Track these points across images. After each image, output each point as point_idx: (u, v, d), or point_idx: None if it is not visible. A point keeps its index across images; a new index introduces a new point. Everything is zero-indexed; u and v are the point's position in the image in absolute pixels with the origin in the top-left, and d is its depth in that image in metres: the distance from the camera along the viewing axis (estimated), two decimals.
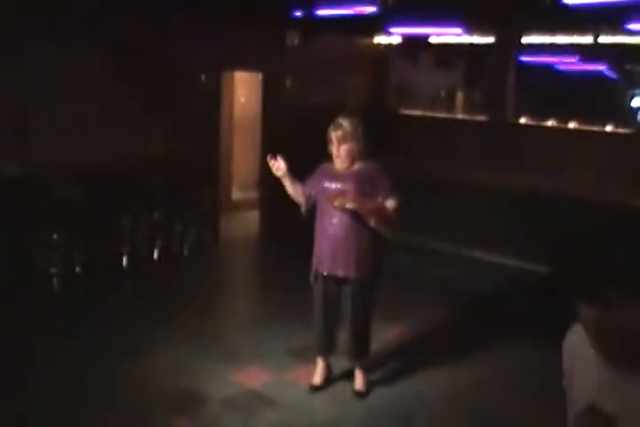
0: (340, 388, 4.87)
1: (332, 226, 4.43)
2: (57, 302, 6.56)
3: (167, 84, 7.89)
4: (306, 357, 5.18)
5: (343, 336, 4.76)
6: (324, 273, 4.54)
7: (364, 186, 4.39)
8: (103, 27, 7.10)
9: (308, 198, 4.62)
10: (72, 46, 6.87)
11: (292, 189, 4.63)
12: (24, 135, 6.72)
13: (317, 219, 4.57)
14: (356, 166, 4.49)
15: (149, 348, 5.40)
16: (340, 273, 4.49)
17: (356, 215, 4.35)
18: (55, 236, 6.79)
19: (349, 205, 4.27)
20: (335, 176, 4.49)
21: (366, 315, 4.67)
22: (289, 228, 8.29)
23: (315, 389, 4.80)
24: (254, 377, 4.99)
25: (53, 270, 6.81)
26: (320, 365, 4.87)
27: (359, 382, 4.81)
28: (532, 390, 4.89)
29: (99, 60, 7.14)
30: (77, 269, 7.00)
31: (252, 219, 9.58)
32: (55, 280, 6.80)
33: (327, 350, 4.82)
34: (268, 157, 4.48)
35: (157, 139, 7.84)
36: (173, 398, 4.65)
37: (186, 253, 8.13)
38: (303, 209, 4.68)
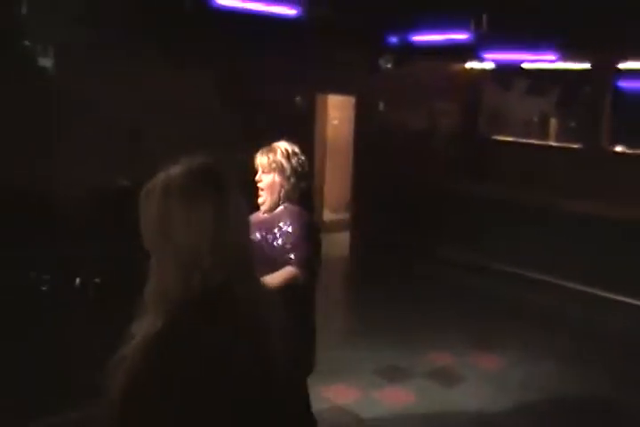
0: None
1: None
2: None
3: (263, 107, 8.19)
4: (391, 377, 5.40)
5: None
6: None
7: (268, 242, 3.26)
8: (207, 54, 7.49)
9: None
10: (182, 72, 7.30)
11: None
12: (137, 151, 7.11)
13: None
14: (277, 211, 3.36)
15: None
16: None
17: None
18: None
19: None
20: (255, 223, 3.18)
21: None
22: (380, 248, 8.42)
23: None
24: (343, 394, 5.12)
25: None
26: None
27: None
28: None
29: (202, 85, 7.52)
30: None
31: (343, 240, 9.73)
32: None
33: None
34: None
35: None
36: None
37: None
38: None
